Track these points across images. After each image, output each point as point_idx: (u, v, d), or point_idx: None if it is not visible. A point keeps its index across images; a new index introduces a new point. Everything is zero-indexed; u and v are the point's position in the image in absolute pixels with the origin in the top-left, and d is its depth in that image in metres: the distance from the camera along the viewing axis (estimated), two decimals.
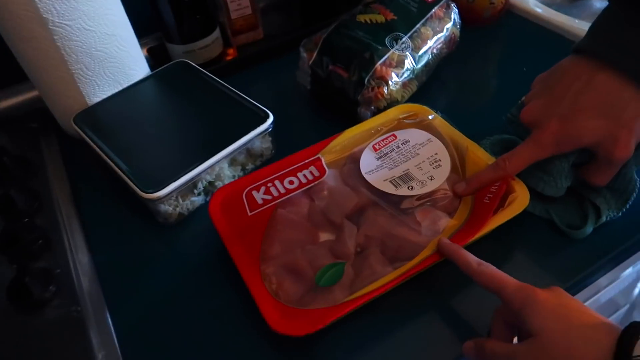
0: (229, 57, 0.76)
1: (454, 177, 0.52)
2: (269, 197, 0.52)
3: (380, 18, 0.64)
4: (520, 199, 0.48)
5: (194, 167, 0.53)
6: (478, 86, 0.70)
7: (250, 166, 0.60)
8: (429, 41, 0.65)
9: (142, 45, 0.68)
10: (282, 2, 0.87)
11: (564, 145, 0.46)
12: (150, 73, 0.66)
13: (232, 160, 0.57)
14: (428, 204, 0.50)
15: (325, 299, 0.43)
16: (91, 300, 0.48)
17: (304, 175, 0.53)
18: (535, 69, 0.69)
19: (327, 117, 0.66)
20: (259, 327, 0.43)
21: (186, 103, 0.62)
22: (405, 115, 0.59)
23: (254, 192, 0.52)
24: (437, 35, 0.66)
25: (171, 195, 0.52)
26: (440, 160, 0.53)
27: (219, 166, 0.56)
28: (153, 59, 0.75)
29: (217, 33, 0.73)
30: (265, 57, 0.76)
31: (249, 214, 0.51)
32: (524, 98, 0.53)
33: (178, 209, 0.55)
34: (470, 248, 0.44)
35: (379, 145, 0.56)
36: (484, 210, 0.47)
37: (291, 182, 0.53)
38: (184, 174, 0.52)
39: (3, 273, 0.50)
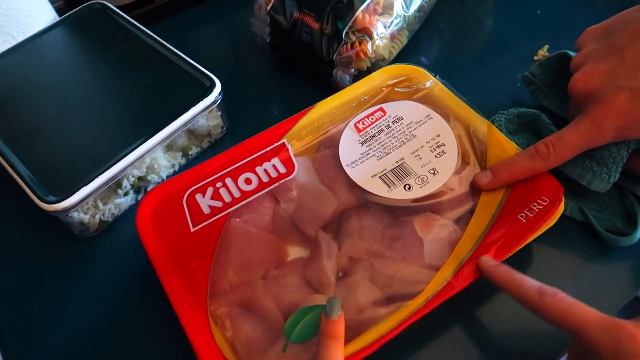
0: None
1: (465, 169, 0.39)
2: (218, 204, 0.38)
3: None
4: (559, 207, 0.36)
5: (115, 161, 0.39)
6: (481, 36, 0.56)
7: (194, 150, 0.46)
8: None
9: None
10: None
11: (634, 130, 0.34)
12: (55, 21, 0.49)
13: (168, 146, 0.43)
14: (429, 208, 0.38)
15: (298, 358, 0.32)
16: None
17: (265, 171, 0.40)
18: (552, 11, 0.55)
19: (294, 82, 0.52)
20: None
21: (104, 67, 0.46)
22: (395, 80, 0.45)
23: (198, 197, 0.39)
24: None
25: (86, 201, 0.38)
26: (444, 145, 0.40)
27: (150, 156, 0.41)
28: None
29: None
30: None
31: (192, 229, 0.37)
32: (557, 54, 0.40)
33: (98, 216, 0.41)
34: None
35: (363, 123, 0.42)
36: (516, 227, 0.35)
37: (248, 181, 0.39)
38: (101, 173, 0.38)
39: None
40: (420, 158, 0.40)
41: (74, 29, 0.49)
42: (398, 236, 0.36)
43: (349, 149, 0.41)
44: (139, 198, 0.43)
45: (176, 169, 0.45)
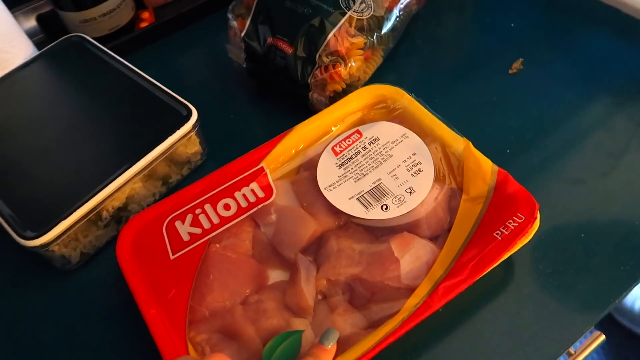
0: (143, 24, 0.59)
1: (440, 187, 0.40)
2: (197, 231, 0.39)
3: None
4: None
5: (93, 194, 0.39)
6: (457, 50, 0.57)
7: (174, 178, 0.46)
8: None
9: (26, 12, 0.51)
10: None
11: None
12: (34, 55, 0.50)
13: (148, 175, 0.43)
14: (407, 227, 0.38)
15: None
16: None
17: (244, 196, 0.40)
18: (526, 24, 0.56)
19: (273, 106, 0.52)
20: None
21: (82, 99, 0.46)
22: (372, 101, 0.46)
23: (178, 224, 0.39)
24: None
25: (66, 235, 0.39)
26: (420, 164, 0.41)
27: (129, 187, 0.42)
28: (45, 30, 0.58)
29: None
30: (190, 18, 0.60)
31: (172, 256, 0.38)
32: None
33: (79, 250, 0.41)
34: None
35: (340, 146, 0.43)
36: (491, 245, 0.35)
37: (227, 207, 0.40)
38: (80, 206, 0.39)
39: None
40: (397, 178, 0.40)
41: (52, 63, 0.49)
42: (375, 257, 0.37)
43: (327, 172, 0.41)
44: (121, 227, 0.43)
45: (157, 197, 0.45)
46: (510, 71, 0.52)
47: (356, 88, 0.47)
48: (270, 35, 0.46)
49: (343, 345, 0.33)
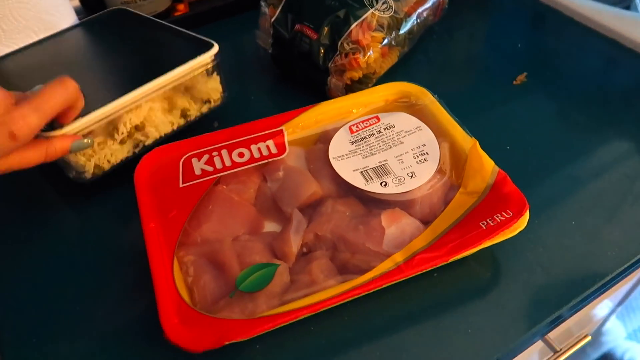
0: (177, 13, 0.66)
1: (441, 178, 0.41)
2: (209, 169, 0.42)
3: None
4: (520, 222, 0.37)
5: (111, 100, 0.42)
6: (465, 63, 0.61)
7: (193, 114, 0.49)
8: (412, 4, 0.55)
9: None
10: None
11: None
12: (78, 22, 0.55)
13: (168, 103, 0.46)
14: (400, 205, 0.40)
15: (243, 308, 0.34)
16: None
17: (259, 149, 0.43)
18: (531, 46, 0.61)
19: (291, 89, 0.57)
20: (155, 333, 0.33)
21: (118, 51, 0.51)
22: (396, 95, 0.49)
23: (194, 160, 0.43)
24: None
25: (82, 133, 0.41)
26: (427, 154, 0.43)
27: (147, 106, 0.45)
28: (87, 10, 0.64)
29: None
30: (222, 13, 0.66)
31: (181, 185, 0.41)
32: None
33: (94, 160, 0.44)
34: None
35: (357, 127, 0.45)
36: (474, 232, 0.36)
37: (241, 155, 0.43)
38: (97, 109, 0.41)
39: None
40: (402, 162, 0.42)
41: (96, 30, 0.53)
42: (364, 223, 0.38)
43: (339, 145, 0.44)
44: (137, 151, 0.46)
45: (175, 127, 0.48)
46: (514, 82, 0.56)
47: (371, 80, 0.51)
48: (298, 22, 0.51)
49: (311, 289, 0.34)
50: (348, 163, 0.43)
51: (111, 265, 0.41)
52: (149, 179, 0.42)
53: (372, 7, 0.51)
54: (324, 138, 0.46)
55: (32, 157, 0.37)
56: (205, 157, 0.43)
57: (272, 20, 0.52)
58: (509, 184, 0.39)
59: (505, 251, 0.40)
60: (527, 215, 0.37)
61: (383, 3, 0.52)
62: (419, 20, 0.56)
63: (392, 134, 0.45)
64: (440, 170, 0.42)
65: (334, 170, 0.42)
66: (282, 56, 0.54)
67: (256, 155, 0.43)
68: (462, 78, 0.58)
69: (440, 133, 0.44)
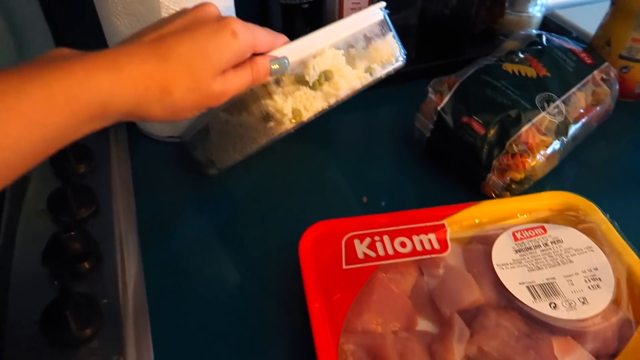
0: None
1: (616, 310, 0.39)
2: (372, 254, 0.42)
3: (531, 72, 0.54)
4: None
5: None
6: (629, 173, 0.57)
7: (377, 70, 0.50)
8: (581, 110, 0.54)
9: None
10: (399, 30, 0.77)
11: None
12: None
13: (351, 56, 0.49)
14: (570, 333, 0.38)
15: None
16: (139, 351, 0.39)
17: (420, 242, 0.43)
18: None
19: (441, 176, 0.56)
20: None
21: None
22: (561, 206, 0.47)
23: (356, 242, 0.43)
24: (591, 103, 0.55)
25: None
26: (599, 280, 0.41)
27: (331, 52, 0.47)
28: None
29: None
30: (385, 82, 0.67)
31: (344, 266, 0.41)
32: None
33: (290, 102, 0.47)
34: None
35: (522, 234, 0.44)
36: None
37: (403, 245, 0.43)
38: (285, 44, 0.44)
39: (42, 290, 0.41)
40: (572, 284, 0.40)
41: None
42: (534, 347, 0.37)
43: (502, 251, 0.43)
44: (331, 103, 0.48)
45: (363, 83, 0.49)
46: None
47: (529, 182, 0.50)
48: (467, 114, 0.51)
49: None
50: (513, 273, 0.41)
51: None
52: (312, 251, 0.42)
53: (543, 110, 0.51)
54: (482, 238, 0.45)
55: (243, 75, 0.40)
56: (367, 240, 0.43)
57: (439, 107, 0.53)
58: None
59: None
60: None
61: (555, 107, 0.51)
62: (584, 127, 0.54)
63: (560, 250, 0.43)
64: (615, 301, 0.40)
65: (498, 278, 0.41)
66: (440, 143, 0.55)
67: (418, 247, 0.43)
68: (625, 190, 0.55)
69: (613, 258, 0.42)
